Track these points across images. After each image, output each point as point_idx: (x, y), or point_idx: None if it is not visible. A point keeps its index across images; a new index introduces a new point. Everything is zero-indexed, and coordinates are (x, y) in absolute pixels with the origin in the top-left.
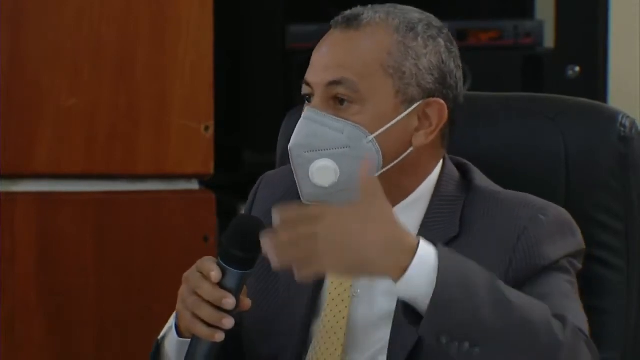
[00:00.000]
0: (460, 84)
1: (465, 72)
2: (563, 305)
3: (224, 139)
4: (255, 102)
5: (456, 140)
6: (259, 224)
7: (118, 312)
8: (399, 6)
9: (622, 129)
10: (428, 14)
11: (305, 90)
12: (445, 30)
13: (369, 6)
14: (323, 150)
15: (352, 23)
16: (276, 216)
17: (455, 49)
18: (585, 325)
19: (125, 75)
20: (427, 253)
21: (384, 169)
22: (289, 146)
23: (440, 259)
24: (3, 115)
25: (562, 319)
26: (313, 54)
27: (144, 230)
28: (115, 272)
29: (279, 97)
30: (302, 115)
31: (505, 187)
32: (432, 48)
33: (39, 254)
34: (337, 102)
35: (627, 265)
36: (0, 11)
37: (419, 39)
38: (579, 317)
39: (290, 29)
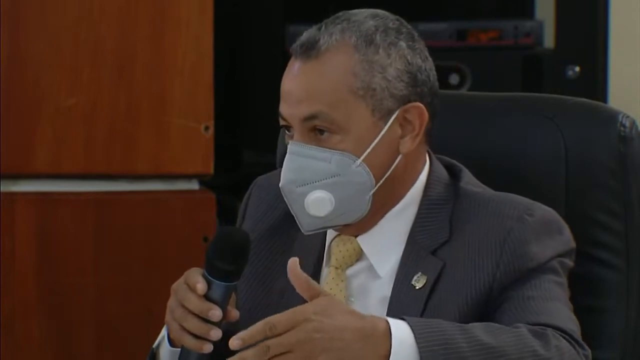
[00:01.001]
0: (432, 73)
1: (465, 72)
2: (546, 309)
3: (224, 139)
4: (255, 102)
5: (456, 140)
6: (243, 235)
7: (118, 312)
8: (352, 16)
9: (622, 129)
10: (383, 15)
11: (282, 122)
12: (404, 29)
13: (322, 26)
14: (314, 182)
15: (311, 53)
16: (236, 343)
17: (419, 43)
18: (571, 325)
19: (125, 75)
20: (401, 331)
21: (377, 185)
22: (280, 185)
23: (416, 333)
24: (3, 115)
25: (541, 333)
26: (282, 83)
27: (144, 230)
28: (114, 272)
29: (278, 97)
30: (288, 150)
31: (505, 187)
32: (395, 54)
33: (39, 254)
34: (317, 133)
35: (627, 265)
36: (0, 11)
37: (380, 50)
38: (563, 319)
39: (290, 29)
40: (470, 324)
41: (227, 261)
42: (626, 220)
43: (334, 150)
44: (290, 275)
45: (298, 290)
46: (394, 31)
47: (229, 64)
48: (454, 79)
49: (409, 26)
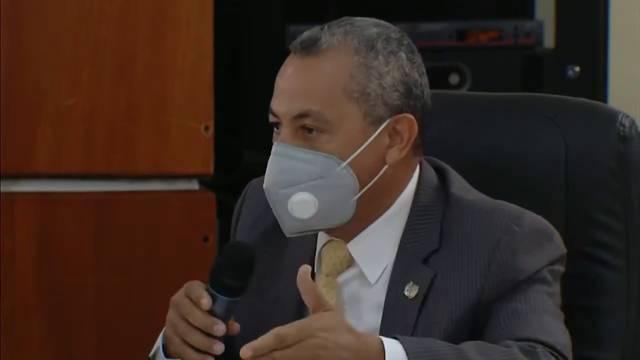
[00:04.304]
0: (426, 89)
1: (465, 72)
2: (535, 322)
3: (224, 139)
4: (255, 102)
5: (456, 140)
6: (250, 252)
7: (118, 312)
8: (357, 21)
9: (622, 128)
10: (386, 25)
11: (272, 119)
12: (406, 41)
13: (325, 27)
14: (298, 184)
15: (310, 49)
16: (248, 353)
17: (418, 58)
18: (561, 339)
19: (125, 75)
20: (393, 352)
21: (362, 191)
22: (264, 186)
23: (409, 353)
24: (3, 115)
25: (531, 352)
26: (276, 80)
27: (144, 230)
28: (115, 272)
29: None
30: (272, 151)
31: (505, 187)
32: (394, 63)
33: (38, 253)
34: (305, 131)
35: (627, 265)
36: (0, 11)
37: (380, 56)
38: (552, 333)
39: (290, 29)
40: (464, 344)
41: (233, 277)
42: (626, 221)
43: (319, 153)
44: (300, 283)
45: (305, 298)
46: (396, 41)
47: (229, 64)
48: (454, 79)
49: (410, 40)
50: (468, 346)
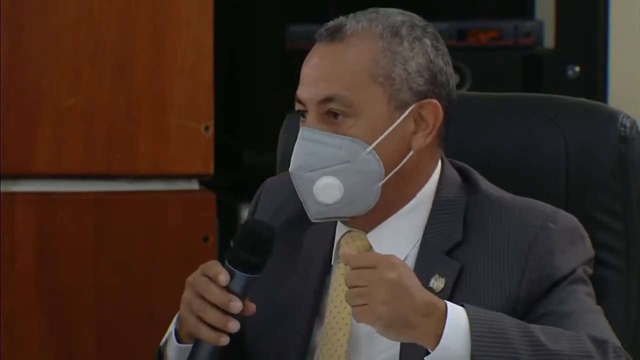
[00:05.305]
0: (452, 80)
1: (465, 72)
2: (594, 323)
3: (224, 139)
4: (255, 102)
5: (456, 140)
6: (269, 229)
7: (118, 312)
8: (381, 10)
9: (622, 129)
10: (411, 14)
11: (298, 107)
12: (430, 29)
13: (351, 15)
14: (324, 168)
15: (335, 36)
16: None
17: (443, 46)
18: (617, 339)
19: (125, 75)
20: (456, 315)
21: (387, 177)
22: (290, 169)
23: (472, 321)
24: (3, 115)
25: (602, 343)
26: (302, 69)
27: (144, 230)
28: (115, 272)
29: (278, 97)
30: (299, 136)
31: (506, 187)
32: (419, 49)
33: (38, 254)
34: (331, 116)
35: (627, 265)
36: (0, 11)
37: (405, 42)
38: (607, 331)
39: (290, 29)
40: (529, 324)
41: (252, 252)
42: (626, 221)
43: (344, 137)
44: (345, 256)
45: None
46: (421, 28)
47: (229, 64)
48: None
49: (435, 30)
50: (533, 326)
